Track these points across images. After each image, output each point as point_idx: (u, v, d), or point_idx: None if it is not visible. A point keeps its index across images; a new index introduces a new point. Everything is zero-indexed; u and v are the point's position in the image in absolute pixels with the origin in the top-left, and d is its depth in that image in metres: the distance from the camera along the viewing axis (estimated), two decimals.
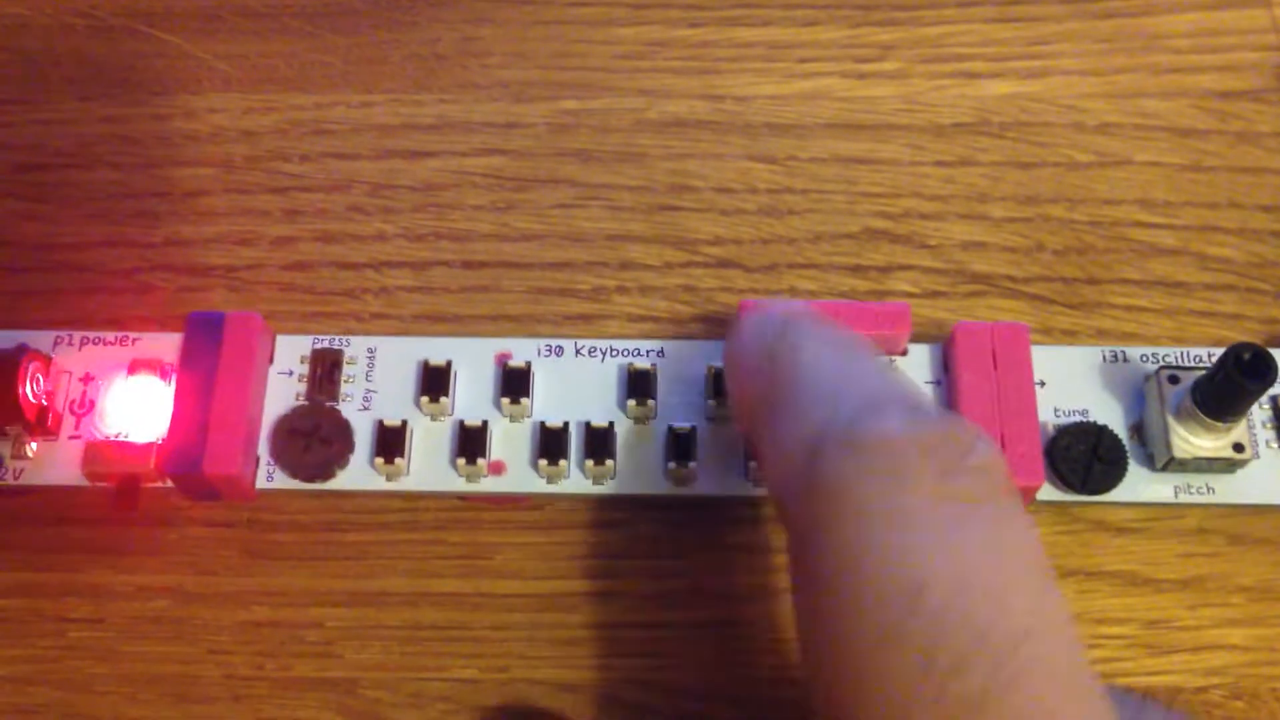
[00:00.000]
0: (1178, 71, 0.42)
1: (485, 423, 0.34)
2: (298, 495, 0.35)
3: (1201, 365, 0.34)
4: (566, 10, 0.43)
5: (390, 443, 0.34)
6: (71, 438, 0.34)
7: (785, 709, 0.33)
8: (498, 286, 0.39)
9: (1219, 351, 0.32)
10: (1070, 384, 0.35)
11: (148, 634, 0.34)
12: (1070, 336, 0.38)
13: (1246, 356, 0.31)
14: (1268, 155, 0.40)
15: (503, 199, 0.40)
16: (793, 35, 0.43)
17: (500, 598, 0.35)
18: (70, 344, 0.35)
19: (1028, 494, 0.33)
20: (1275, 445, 0.34)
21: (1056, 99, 0.42)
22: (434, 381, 0.34)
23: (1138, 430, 0.34)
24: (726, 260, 0.39)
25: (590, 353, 0.35)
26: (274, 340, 0.35)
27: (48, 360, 0.34)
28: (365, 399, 0.34)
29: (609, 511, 0.35)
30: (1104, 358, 0.35)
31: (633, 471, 0.34)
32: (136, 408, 0.34)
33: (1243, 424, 0.33)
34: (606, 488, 0.34)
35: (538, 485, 0.34)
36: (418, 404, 0.34)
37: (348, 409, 0.34)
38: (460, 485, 0.34)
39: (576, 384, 0.35)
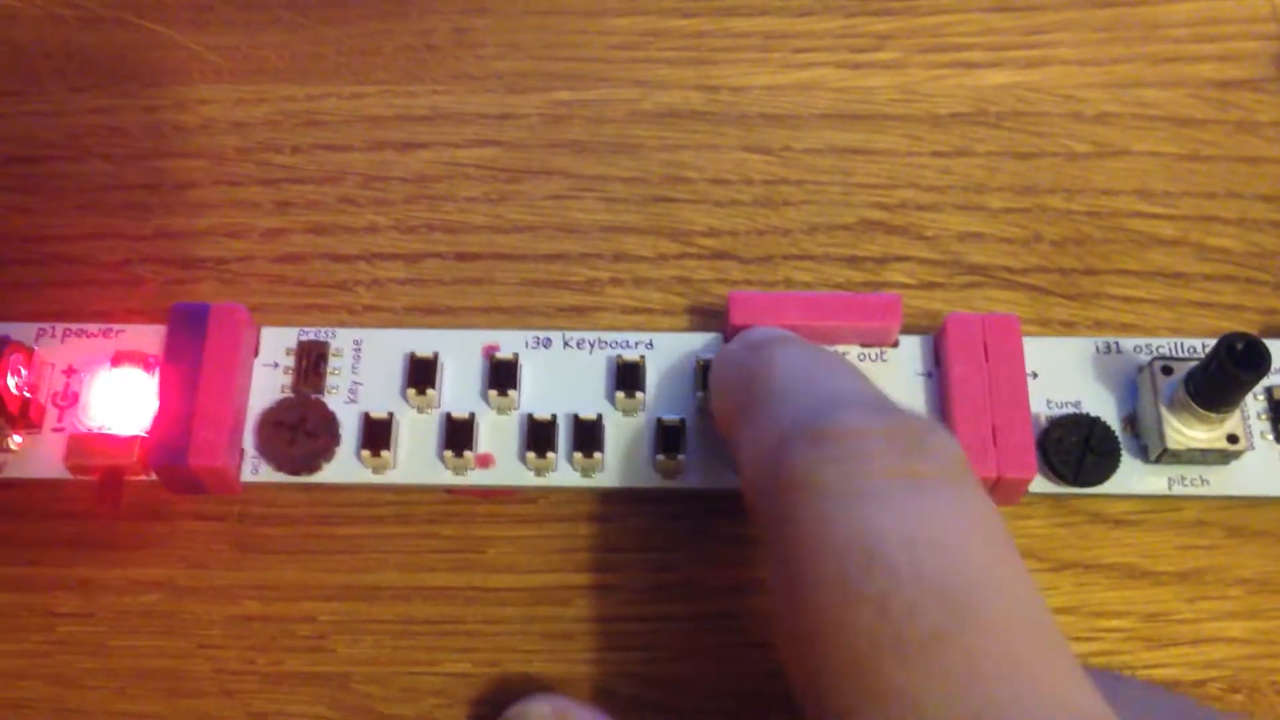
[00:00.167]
0: (1176, 61, 0.42)
1: (472, 415, 0.34)
2: (284, 488, 0.35)
3: (1195, 356, 0.34)
4: (560, 0, 0.43)
5: (376, 435, 0.33)
6: (55, 431, 0.34)
7: (779, 701, 0.33)
8: (490, 278, 0.38)
9: (1213, 342, 0.32)
10: (1063, 375, 0.35)
11: (138, 628, 0.34)
12: (1068, 327, 0.37)
13: (1240, 346, 0.31)
14: (1267, 145, 0.40)
15: (496, 190, 0.40)
16: (788, 25, 0.43)
17: (493, 591, 0.35)
18: (53, 336, 0.35)
19: (1019, 486, 0.33)
20: (1270, 436, 0.34)
21: (1054, 89, 0.41)
22: (421, 373, 0.34)
23: (1131, 422, 0.34)
24: (721, 252, 0.39)
25: (579, 344, 0.35)
26: (259, 332, 0.35)
27: (30, 352, 0.34)
28: (351, 391, 0.34)
29: (601, 505, 0.35)
30: (1097, 349, 0.35)
31: (621, 464, 0.34)
32: (120, 400, 0.34)
33: (1237, 415, 0.33)
34: (595, 480, 0.34)
35: (526, 478, 0.34)
36: (404, 396, 0.34)
37: (334, 401, 0.34)
38: (447, 478, 0.34)
39: (565, 376, 0.35)
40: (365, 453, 0.33)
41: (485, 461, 0.34)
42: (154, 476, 0.33)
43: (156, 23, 0.42)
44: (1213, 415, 0.32)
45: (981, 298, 0.38)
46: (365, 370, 0.35)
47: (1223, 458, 0.33)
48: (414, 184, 0.40)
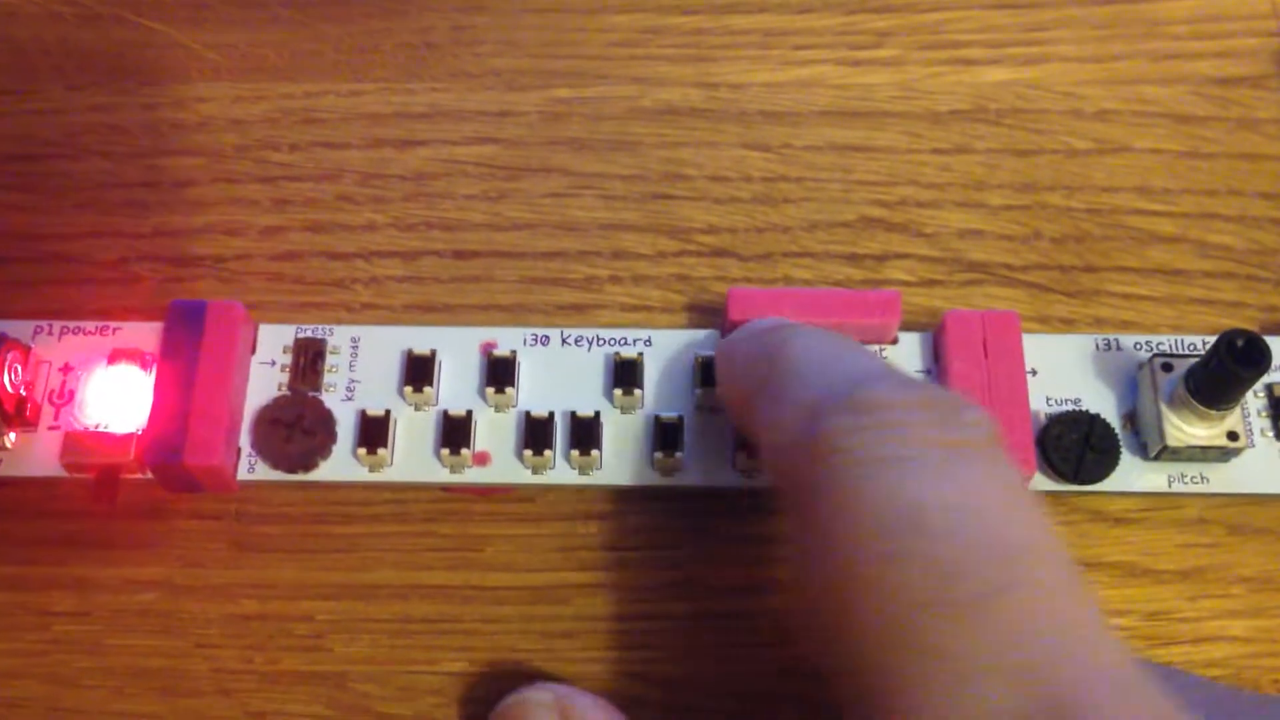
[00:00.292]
0: (1177, 58, 0.42)
1: (469, 413, 0.34)
2: (281, 487, 0.35)
3: (1195, 353, 0.34)
4: None
5: (373, 433, 0.33)
6: (51, 429, 0.34)
7: (778, 699, 0.33)
8: (489, 276, 0.38)
9: (1213, 339, 0.32)
10: (1062, 372, 0.35)
11: (134, 627, 0.34)
12: (1068, 325, 0.37)
13: (1240, 343, 0.31)
14: (1267, 142, 0.40)
15: (495, 188, 0.40)
16: (787, 22, 0.43)
17: (491, 590, 0.34)
18: (50, 334, 0.35)
19: None
20: (1270, 434, 0.34)
21: (1054, 86, 0.41)
22: (418, 371, 0.34)
23: (1131, 419, 0.34)
24: (721, 249, 0.39)
25: (577, 342, 0.35)
26: (256, 329, 0.35)
27: (27, 350, 0.34)
28: (348, 389, 0.34)
29: (599, 503, 0.35)
30: (1097, 346, 0.35)
31: (619, 462, 0.34)
32: (116, 398, 0.34)
33: (1237, 412, 0.33)
34: (592, 478, 0.34)
35: (523, 476, 0.34)
36: (401, 394, 0.34)
37: (330, 399, 0.34)
38: (444, 476, 0.34)
39: (563, 373, 0.35)
40: (362, 451, 0.33)
41: (482, 459, 0.34)
42: (150, 475, 0.33)
43: (155, 21, 0.42)
44: (1213, 412, 0.32)
45: (981, 295, 0.38)
46: (362, 368, 0.35)
47: (1223, 455, 0.33)
48: (412, 182, 0.40)
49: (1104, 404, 0.34)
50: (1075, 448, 0.33)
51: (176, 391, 0.33)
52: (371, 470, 0.34)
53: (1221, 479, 0.34)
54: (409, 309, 0.38)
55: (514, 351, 0.34)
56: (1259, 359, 0.31)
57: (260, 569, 0.35)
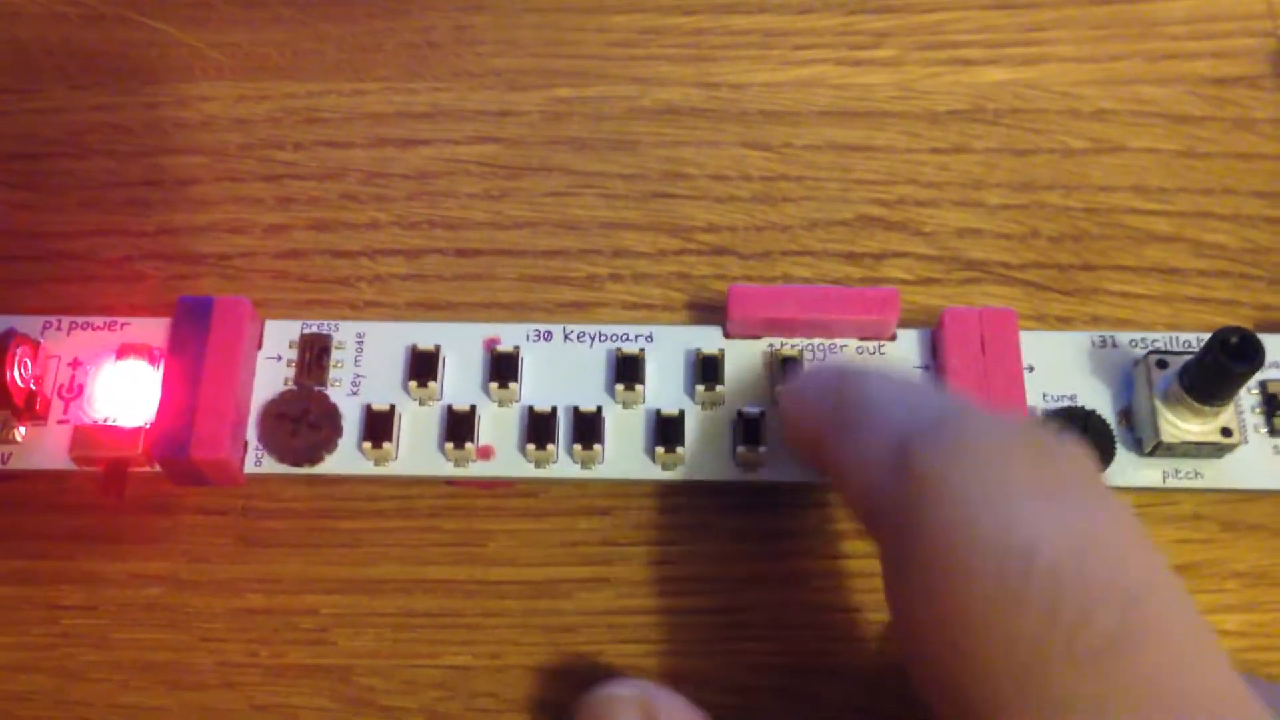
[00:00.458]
0: (1173, 58, 0.42)
1: (473, 407, 0.34)
2: (287, 481, 0.35)
3: (1190, 350, 0.34)
4: None
5: (378, 427, 0.34)
6: (60, 423, 0.34)
7: (779, 696, 0.33)
8: (491, 274, 0.38)
9: (1208, 336, 0.32)
10: (1058, 369, 0.35)
11: (141, 621, 0.34)
12: (1065, 323, 0.38)
13: (1234, 340, 0.31)
14: (1263, 141, 0.40)
15: (496, 187, 0.40)
16: (787, 22, 0.43)
17: (494, 584, 0.35)
18: (59, 329, 0.35)
19: None
20: (1264, 430, 0.34)
21: (1052, 86, 0.42)
22: (422, 366, 0.34)
23: (1126, 415, 0.34)
24: (721, 247, 0.39)
25: (579, 337, 0.35)
26: (262, 325, 0.35)
27: (36, 345, 0.34)
28: (354, 384, 0.34)
29: (601, 498, 0.35)
30: (1093, 343, 0.35)
31: (621, 456, 0.34)
32: (125, 392, 0.34)
33: (1230, 408, 0.33)
34: (594, 472, 0.34)
35: (526, 470, 0.34)
36: (406, 389, 0.34)
37: (336, 394, 0.34)
38: (448, 470, 0.34)
39: (565, 369, 0.35)
40: (367, 445, 0.33)
41: (486, 453, 0.34)
42: (158, 468, 0.33)
43: (158, 20, 0.42)
44: (1207, 409, 0.32)
45: (979, 293, 0.38)
46: (367, 363, 0.35)
47: (1216, 451, 0.33)
48: (415, 180, 0.40)
49: (1100, 400, 0.34)
50: None
51: (184, 386, 0.33)
52: (376, 464, 0.34)
53: (1215, 475, 0.34)
54: (412, 306, 0.38)
55: (517, 347, 0.35)
56: (1253, 356, 0.31)
57: (266, 563, 0.35)
